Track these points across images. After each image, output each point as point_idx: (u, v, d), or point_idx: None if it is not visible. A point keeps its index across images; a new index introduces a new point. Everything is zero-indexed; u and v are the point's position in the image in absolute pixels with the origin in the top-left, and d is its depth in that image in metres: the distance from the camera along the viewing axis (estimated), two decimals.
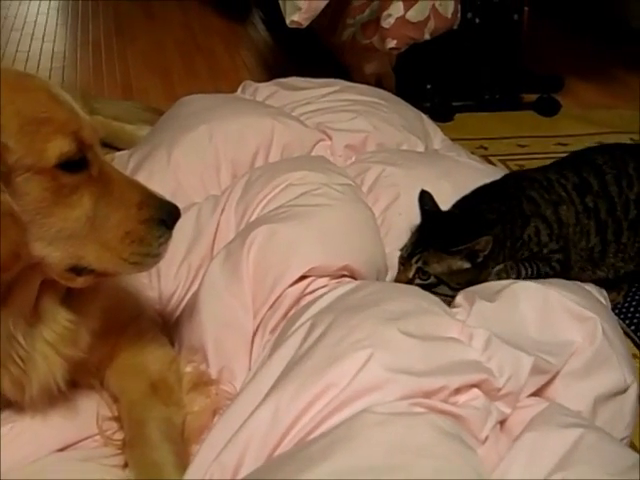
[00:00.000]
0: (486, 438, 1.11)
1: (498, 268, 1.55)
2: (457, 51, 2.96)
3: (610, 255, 1.64)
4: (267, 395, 1.14)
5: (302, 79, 2.30)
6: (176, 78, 3.35)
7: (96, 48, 3.74)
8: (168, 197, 1.27)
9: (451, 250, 1.50)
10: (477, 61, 3.01)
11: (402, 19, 2.59)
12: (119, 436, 1.30)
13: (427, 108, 2.58)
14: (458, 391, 1.13)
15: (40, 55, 3.65)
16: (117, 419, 1.33)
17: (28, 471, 1.24)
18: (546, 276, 1.56)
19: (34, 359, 1.19)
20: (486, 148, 2.69)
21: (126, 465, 1.25)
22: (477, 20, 2.92)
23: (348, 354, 1.14)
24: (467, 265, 1.50)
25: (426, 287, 1.48)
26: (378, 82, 2.84)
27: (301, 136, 1.96)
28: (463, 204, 1.64)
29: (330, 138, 1.98)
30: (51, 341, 1.20)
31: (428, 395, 1.09)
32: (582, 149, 1.80)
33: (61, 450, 1.29)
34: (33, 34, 4.00)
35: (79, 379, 1.34)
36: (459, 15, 2.74)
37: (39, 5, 4.55)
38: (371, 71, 2.90)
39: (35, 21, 4.24)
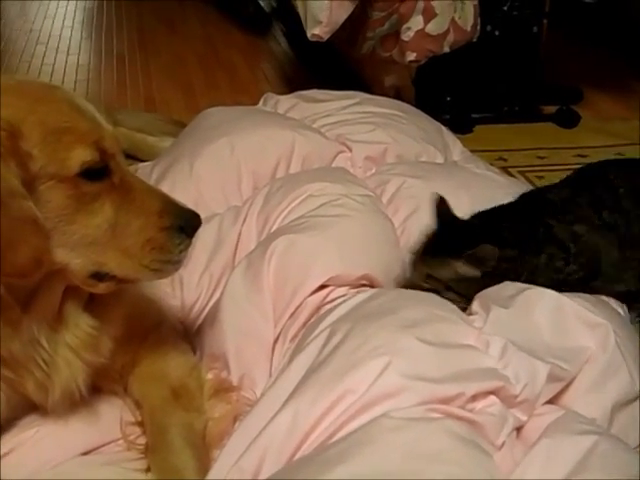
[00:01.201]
0: (502, 444, 1.12)
1: None
2: (476, 63, 2.97)
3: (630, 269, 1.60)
4: (286, 401, 1.16)
5: (322, 91, 2.32)
6: (198, 91, 3.38)
7: (120, 61, 3.78)
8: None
9: (455, 255, 1.48)
10: (496, 73, 3.03)
11: (422, 32, 2.61)
12: (142, 441, 1.32)
13: (446, 120, 2.59)
14: (474, 398, 1.13)
15: (65, 68, 3.69)
16: (140, 424, 1.35)
17: (51, 474, 1.26)
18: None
19: (57, 363, 1.21)
20: (505, 160, 2.69)
21: (148, 469, 1.26)
22: (496, 33, 2.94)
23: (366, 361, 1.16)
24: (475, 273, 1.47)
25: (436, 293, 1.47)
26: (397, 94, 2.86)
27: (321, 148, 1.99)
28: (479, 218, 1.63)
29: (350, 150, 2.00)
30: (73, 346, 1.22)
31: (445, 401, 1.10)
32: (593, 163, 1.79)
33: (84, 454, 1.31)
34: (58, 47, 4.04)
35: (102, 384, 1.37)
36: (478, 28, 2.75)
37: (64, 19, 4.61)
38: (390, 83, 2.92)
39: (60, 35, 4.29)
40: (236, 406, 1.39)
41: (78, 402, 1.30)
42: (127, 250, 1.17)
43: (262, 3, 4.71)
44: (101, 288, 1.21)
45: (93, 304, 1.27)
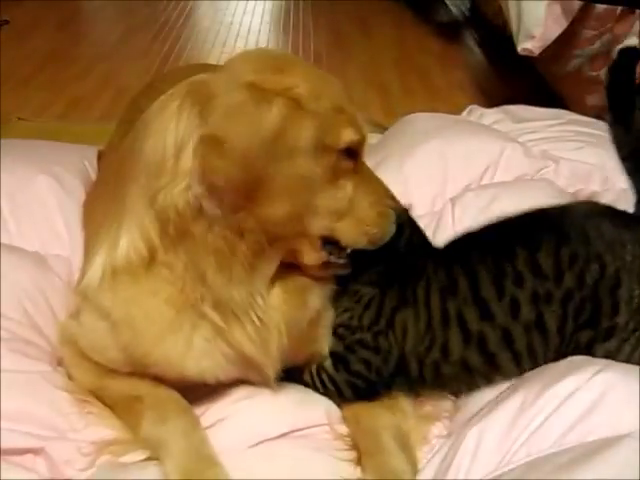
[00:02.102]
0: None
1: None
2: None
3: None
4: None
5: (528, 107, 2.33)
6: (393, 94, 3.45)
7: (317, 59, 3.88)
8: None
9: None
10: None
11: None
12: (348, 434, 1.34)
13: None
14: None
15: None
16: (344, 419, 1.38)
17: (263, 452, 1.28)
18: None
19: (268, 321, 1.26)
20: None
21: (358, 462, 1.29)
22: None
23: None
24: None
25: None
26: (598, 115, 2.80)
27: (527, 161, 1.99)
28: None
29: (556, 163, 2.00)
30: (286, 293, 1.29)
31: None
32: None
33: (287, 434, 1.32)
34: (258, 42, 4.22)
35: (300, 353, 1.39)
36: None
37: (262, 15, 4.79)
38: (592, 103, 2.85)
39: (259, 30, 4.47)
40: (438, 407, 1.41)
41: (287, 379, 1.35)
42: (359, 220, 1.27)
43: (454, 10, 4.72)
44: (318, 255, 1.28)
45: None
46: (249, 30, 4.44)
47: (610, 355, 1.27)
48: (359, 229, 1.28)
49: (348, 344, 1.38)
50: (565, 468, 0.97)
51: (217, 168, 1.12)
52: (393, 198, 1.35)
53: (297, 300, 1.30)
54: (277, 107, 1.13)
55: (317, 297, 1.33)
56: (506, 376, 1.34)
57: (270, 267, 1.25)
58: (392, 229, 1.32)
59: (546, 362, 1.31)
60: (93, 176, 1.86)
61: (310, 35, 4.33)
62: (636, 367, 1.21)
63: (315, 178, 1.20)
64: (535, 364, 1.32)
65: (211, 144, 1.12)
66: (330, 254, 1.29)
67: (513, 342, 1.32)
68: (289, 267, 1.29)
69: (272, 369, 1.31)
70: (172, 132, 1.16)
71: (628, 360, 1.26)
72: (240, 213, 1.15)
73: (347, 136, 1.22)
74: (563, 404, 1.13)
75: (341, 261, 1.31)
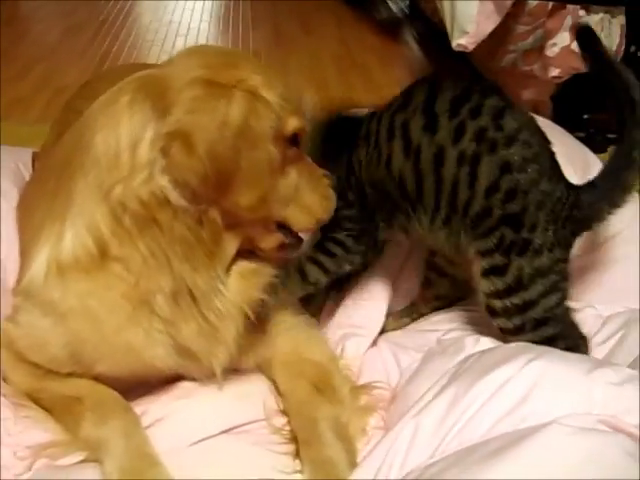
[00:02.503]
0: None
1: None
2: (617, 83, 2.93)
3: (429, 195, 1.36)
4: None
5: None
6: (333, 92, 3.45)
7: (257, 57, 3.86)
8: None
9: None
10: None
11: (567, 49, 2.60)
12: (287, 427, 1.36)
13: (581, 138, 2.57)
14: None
15: None
16: (283, 412, 1.39)
17: (201, 449, 1.29)
18: None
19: (226, 313, 1.30)
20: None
21: (296, 455, 1.30)
22: (639, 53, 2.90)
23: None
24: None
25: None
26: (534, 109, 2.85)
27: None
28: None
29: None
30: (243, 276, 1.33)
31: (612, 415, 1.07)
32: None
33: (227, 431, 1.34)
34: (197, 40, 4.20)
35: (244, 355, 1.41)
36: (623, 48, 2.73)
37: (202, 12, 4.77)
38: (528, 97, 2.90)
39: (199, 27, 4.45)
40: (374, 399, 1.43)
41: (225, 377, 1.36)
42: (307, 206, 1.34)
43: (393, 7, 4.76)
44: (275, 237, 1.34)
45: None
46: (189, 28, 4.42)
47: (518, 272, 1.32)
48: (307, 214, 1.34)
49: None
50: (492, 455, 0.98)
51: (187, 165, 1.14)
52: (327, 176, 1.40)
53: (254, 282, 1.33)
54: (237, 100, 1.18)
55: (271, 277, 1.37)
56: (426, 210, 1.37)
57: (229, 253, 1.29)
58: (333, 207, 1.39)
59: (464, 227, 1.34)
60: (28, 178, 1.84)
61: (250, 33, 4.33)
62: (569, 354, 1.24)
63: (276, 164, 1.25)
64: (453, 212, 1.34)
65: (178, 141, 1.14)
66: (285, 236, 1.35)
67: (442, 166, 1.32)
68: (244, 253, 1.33)
69: (223, 357, 1.33)
70: (125, 126, 1.18)
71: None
72: (207, 204, 1.19)
73: (294, 123, 1.27)
74: (495, 394, 1.14)
75: (295, 242, 1.38)
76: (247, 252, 1.33)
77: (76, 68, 3.61)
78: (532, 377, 1.15)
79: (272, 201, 1.28)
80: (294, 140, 1.29)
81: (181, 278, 1.23)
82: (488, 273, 1.36)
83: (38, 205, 1.41)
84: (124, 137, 1.18)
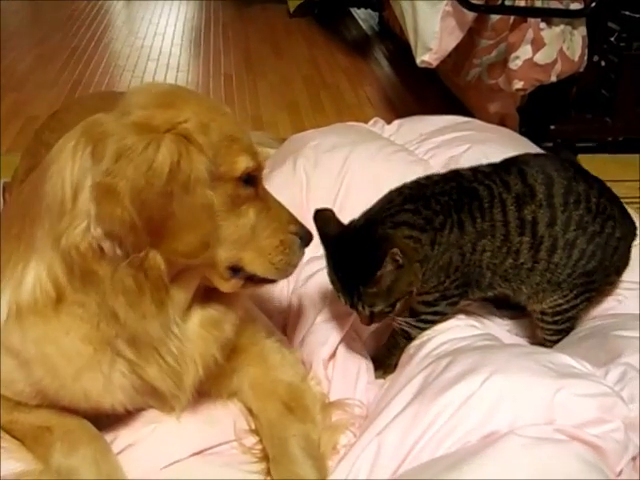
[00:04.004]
0: (620, 472, 1.12)
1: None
2: (581, 93, 2.98)
3: (537, 273, 1.52)
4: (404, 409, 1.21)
5: (423, 117, 2.41)
6: (303, 112, 3.48)
7: (228, 80, 3.91)
8: None
9: (368, 284, 1.40)
10: (601, 103, 3.03)
11: (530, 61, 2.63)
12: (259, 447, 1.37)
13: (549, 148, 2.61)
14: (598, 421, 1.13)
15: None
16: (254, 432, 1.41)
17: (172, 472, 1.30)
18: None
19: (186, 352, 1.29)
20: None
21: (267, 473, 1.31)
22: (602, 63, 2.94)
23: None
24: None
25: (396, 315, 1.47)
26: (501, 121, 2.89)
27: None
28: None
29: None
30: (202, 327, 1.31)
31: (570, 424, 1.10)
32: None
33: (196, 454, 1.35)
34: (168, 64, 4.21)
35: (214, 388, 1.43)
36: (585, 58, 2.76)
37: (173, 37, 4.79)
38: (495, 110, 2.94)
39: (170, 52, 4.46)
40: (345, 418, 1.43)
41: (195, 400, 1.37)
42: (262, 249, 1.31)
43: (363, 25, 4.80)
44: (231, 284, 1.31)
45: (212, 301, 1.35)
46: (160, 53, 4.44)
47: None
48: (264, 258, 1.31)
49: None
50: (451, 468, 1.00)
51: (112, 215, 1.11)
52: (296, 222, 1.37)
53: (213, 333, 1.32)
54: (166, 145, 1.14)
55: (233, 327, 1.36)
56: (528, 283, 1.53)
57: (182, 298, 1.27)
58: (299, 256, 1.36)
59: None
60: None
61: (221, 57, 4.35)
62: (526, 368, 1.24)
63: (216, 208, 1.21)
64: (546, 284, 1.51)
65: (103, 191, 1.12)
66: (246, 280, 1.32)
67: (554, 253, 1.50)
68: (210, 291, 1.32)
69: (182, 401, 1.34)
70: (69, 173, 1.16)
71: None
72: (143, 251, 1.16)
73: (242, 164, 1.25)
74: (458, 410, 1.16)
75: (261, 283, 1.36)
76: (214, 291, 1.32)
77: (47, 97, 3.62)
78: (494, 391, 1.17)
79: (218, 245, 1.24)
80: (249, 180, 1.27)
81: (131, 326, 1.21)
82: None
83: (4, 249, 1.41)
84: (68, 185, 1.16)
